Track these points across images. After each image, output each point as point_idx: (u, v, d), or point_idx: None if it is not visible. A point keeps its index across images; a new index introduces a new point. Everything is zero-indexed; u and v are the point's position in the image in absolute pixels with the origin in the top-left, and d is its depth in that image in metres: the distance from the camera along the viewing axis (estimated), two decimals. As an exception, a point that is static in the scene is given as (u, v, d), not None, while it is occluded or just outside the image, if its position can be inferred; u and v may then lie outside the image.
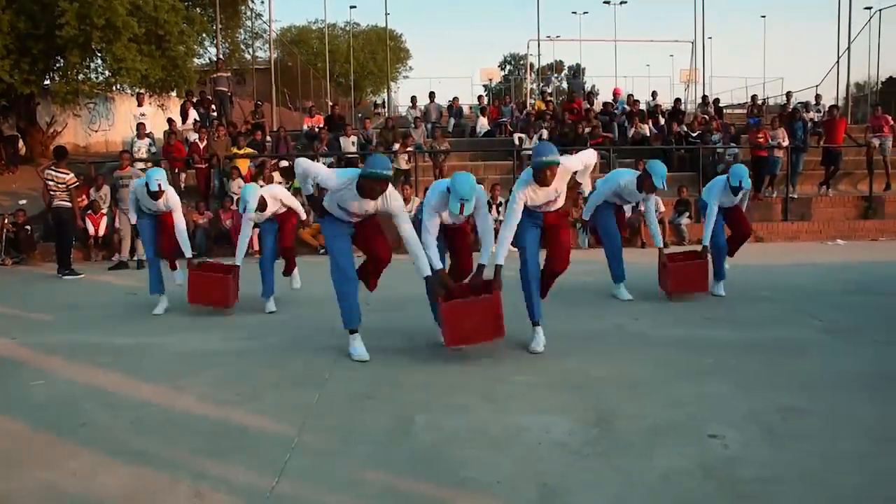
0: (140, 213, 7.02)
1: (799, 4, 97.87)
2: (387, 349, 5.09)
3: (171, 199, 6.74)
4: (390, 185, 4.86)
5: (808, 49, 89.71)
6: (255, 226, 7.24)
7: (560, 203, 5.24)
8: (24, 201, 13.52)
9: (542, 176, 4.91)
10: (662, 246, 7.16)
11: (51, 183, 10.10)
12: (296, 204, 6.90)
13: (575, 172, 5.20)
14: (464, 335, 4.84)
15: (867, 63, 23.06)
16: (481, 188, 5.09)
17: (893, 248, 11.72)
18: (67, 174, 10.10)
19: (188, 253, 6.83)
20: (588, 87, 31.95)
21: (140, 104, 15.60)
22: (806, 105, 18.57)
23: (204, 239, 11.91)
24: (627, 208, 12.44)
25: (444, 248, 5.32)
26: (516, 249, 5.25)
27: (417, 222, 5.03)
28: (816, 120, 17.06)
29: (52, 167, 10.25)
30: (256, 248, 11.71)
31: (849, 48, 21.88)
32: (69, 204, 10.12)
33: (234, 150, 13.62)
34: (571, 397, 4.17)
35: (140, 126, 14.18)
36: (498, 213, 12.14)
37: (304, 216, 7.22)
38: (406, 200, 12.38)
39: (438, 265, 4.94)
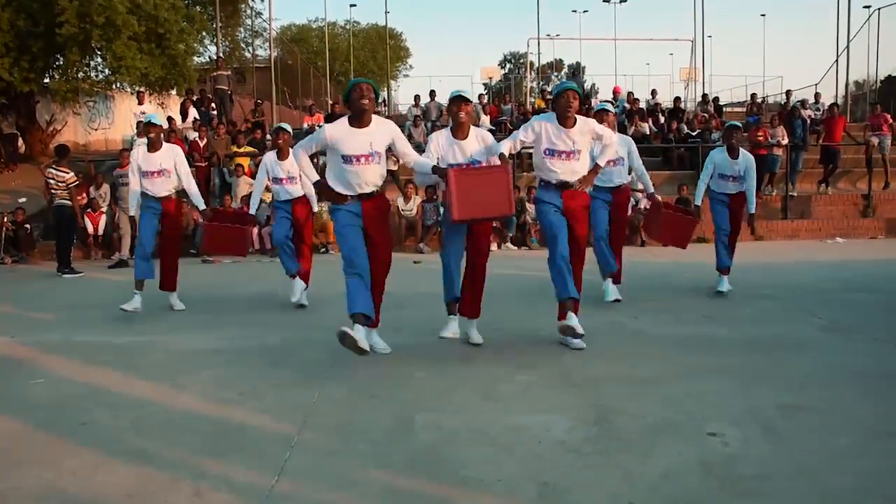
0: (142, 204, 6.81)
1: (798, 3, 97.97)
2: (396, 347, 5.08)
3: (174, 150, 6.80)
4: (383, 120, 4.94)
5: (808, 47, 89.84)
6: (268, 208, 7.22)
7: (578, 167, 5.10)
8: (23, 200, 13.52)
9: (563, 103, 4.91)
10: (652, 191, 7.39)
11: (52, 182, 10.11)
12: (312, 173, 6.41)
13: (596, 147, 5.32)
14: (472, 206, 4.74)
15: (866, 61, 23.09)
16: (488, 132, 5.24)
17: (891, 246, 11.73)
18: (68, 173, 10.11)
19: (201, 205, 6.90)
20: (588, 85, 31.94)
21: (140, 102, 15.63)
22: (803, 102, 18.56)
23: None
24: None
25: (463, 250, 5.25)
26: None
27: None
28: (815, 118, 17.07)
29: (53, 166, 10.26)
30: (257, 245, 11.78)
31: (848, 47, 21.92)
32: (70, 202, 10.13)
33: (234, 148, 13.62)
34: (571, 396, 4.17)
35: (139, 124, 14.16)
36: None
37: (315, 206, 7.10)
38: (407, 199, 12.41)
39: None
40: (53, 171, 10.12)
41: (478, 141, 5.09)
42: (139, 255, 6.78)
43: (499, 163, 4.95)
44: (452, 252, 5.21)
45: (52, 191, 10.18)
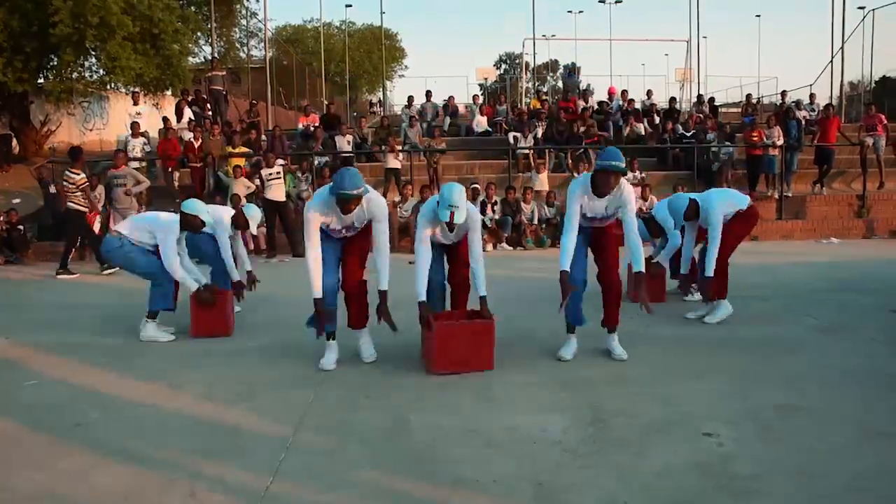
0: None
1: (793, 4, 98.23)
2: (381, 349, 5.07)
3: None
4: (373, 192, 4.75)
5: (803, 48, 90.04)
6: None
7: (609, 223, 5.05)
8: (17, 200, 13.49)
9: (604, 181, 4.73)
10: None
11: (66, 184, 10.20)
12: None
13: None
14: (453, 361, 4.63)
15: (861, 62, 23.19)
16: (476, 211, 4.95)
17: (886, 246, 11.76)
18: (79, 174, 10.16)
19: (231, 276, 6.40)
20: (583, 85, 31.98)
21: (136, 103, 15.56)
22: (798, 103, 18.61)
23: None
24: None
25: (441, 259, 5.19)
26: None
27: (413, 224, 4.99)
28: (810, 119, 17.10)
29: (68, 168, 10.36)
30: (252, 246, 11.75)
31: (842, 47, 21.96)
32: (79, 205, 10.18)
33: (229, 149, 13.59)
34: (566, 396, 4.17)
35: (134, 125, 14.13)
36: (493, 211, 12.15)
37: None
38: (404, 199, 12.40)
39: (422, 296, 4.79)
40: (67, 174, 10.22)
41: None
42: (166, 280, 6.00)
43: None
44: (434, 270, 5.04)
45: (66, 193, 10.24)
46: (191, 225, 5.94)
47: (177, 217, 5.99)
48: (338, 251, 4.91)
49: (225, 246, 6.29)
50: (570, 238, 4.81)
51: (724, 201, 6.24)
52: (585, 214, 4.90)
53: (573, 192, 4.88)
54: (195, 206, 5.99)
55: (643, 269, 4.88)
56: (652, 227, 7.05)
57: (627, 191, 4.84)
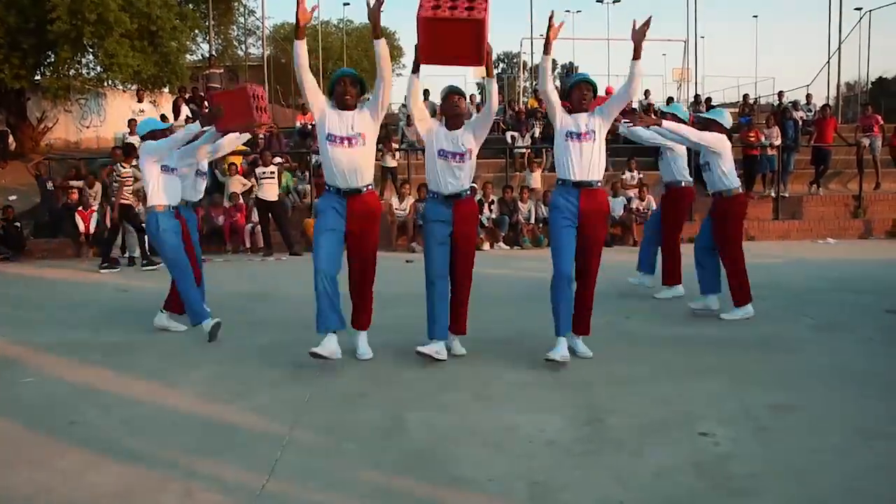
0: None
1: (790, 5, 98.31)
2: (378, 347, 5.07)
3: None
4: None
5: (800, 49, 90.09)
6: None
7: (595, 154, 4.86)
8: (13, 197, 13.47)
9: (578, 96, 4.88)
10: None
11: (115, 176, 10.67)
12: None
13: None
14: (439, 52, 4.60)
15: (857, 63, 23.22)
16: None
17: (883, 246, 11.78)
18: (125, 168, 10.42)
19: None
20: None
21: (140, 100, 15.48)
22: (795, 104, 18.64)
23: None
24: (619, 206, 12.53)
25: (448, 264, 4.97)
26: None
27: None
28: (807, 119, 17.13)
29: (120, 162, 10.71)
30: (248, 245, 11.75)
31: (839, 48, 22.00)
32: (124, 199, 10.41)
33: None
34: (563, 396, 4.17)
35: (132, 122, 14.11)
36: (490, 211, 12.14)
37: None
38: (401, 198, 12.39)
39: None
40: (118, 167, 10.64)
41: (470, 132, 4.93)
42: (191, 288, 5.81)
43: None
44: (438, 262, 4.89)
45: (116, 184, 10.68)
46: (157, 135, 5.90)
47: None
48: (341, 243, 4.80)
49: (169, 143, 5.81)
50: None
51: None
52: (571, 132, 4.86)
53: (557, 109, 4.97)
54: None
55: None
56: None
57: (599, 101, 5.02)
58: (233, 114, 5.67)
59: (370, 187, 4.86)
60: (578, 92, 4.91)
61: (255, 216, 11.94)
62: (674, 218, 7.05)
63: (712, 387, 4.29)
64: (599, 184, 4.92)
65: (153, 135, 5.89)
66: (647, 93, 20.41)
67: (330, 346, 4.63)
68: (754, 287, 6.16)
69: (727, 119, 6.35)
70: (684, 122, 6.55)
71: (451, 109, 4.96)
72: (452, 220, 4.86)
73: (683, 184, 7.01)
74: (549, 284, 4.84)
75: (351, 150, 4.70)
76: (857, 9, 24.45)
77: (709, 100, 20.34)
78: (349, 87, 4.74)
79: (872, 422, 3.70)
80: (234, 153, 13.32)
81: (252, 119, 5.69)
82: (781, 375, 4.52)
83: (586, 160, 4.84)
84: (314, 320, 4.70)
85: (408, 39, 58.99)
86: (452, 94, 5.00)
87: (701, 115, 6.76)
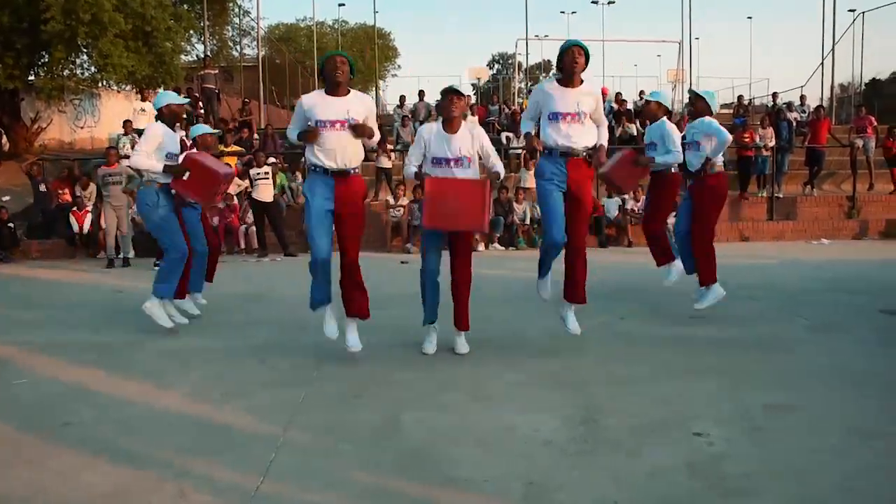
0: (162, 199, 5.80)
1: (784, 6, 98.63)
2: (373, 347, 5.06)
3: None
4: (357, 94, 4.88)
5: (794, 50, 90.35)
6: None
7: (585, 132, 4.90)
8: (7, 198, 13.44)
9: (570, 59, 4.79)
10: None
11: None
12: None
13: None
14: (443, 216, 4.71)
15: (851, 64, 23.30)
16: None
17: (876, 246, 11.82)
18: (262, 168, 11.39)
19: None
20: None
21: (144, 99, 15.39)
22: (789, 105, 18.68)
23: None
24: (613, 207, 12.55)
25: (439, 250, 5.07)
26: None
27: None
28: (801, 120, 17.17)
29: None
30: (243, 245, 11.73)
31: (833, 50, 22.08)
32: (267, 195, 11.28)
33: (222, 147, 13.55)
34: (558, 396, 4.17)
35: (127, 123, 14.09)
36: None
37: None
38: (396, 198, 12.39)
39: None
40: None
41: (469, 135, 4.94)
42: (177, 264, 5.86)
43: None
44: (431, 260, 4.99)
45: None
46: (172, 114, 5.94)
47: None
48: (330, 228, 4.77)
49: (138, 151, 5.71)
50: (527, 124, 5.06)
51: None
52: (558, 112, 4.85)
53: (535, 90, 5.05)
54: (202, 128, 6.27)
55: (605, 144, 5.09)
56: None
57: (597, 87, 5.01)
58: (195, 183, 5.73)
59: (356, 171, 4.84)
60: (570, 56, 4.82)
61: (249, 217, 11.93)
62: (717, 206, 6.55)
63: (709, 387, 4.29)
64: (587, 153, 4.97)
65: (169, 108, 5.94)
66: (641, 93, 20.40)
67: (332, 328, 4.88)
68: (749, 287, 6.18)
69: (716, 103, 6.40)
70: (668, 109, 6.57)
71: (448, 110, 4.91)
72: None
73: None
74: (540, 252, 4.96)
75: (343, 132, 4.68)
76: (850, 10, 24.49)
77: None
78: (339, 65, 4.67)
79: (869, 422, 3.70)
80: (228, 154, 13.34)
81: (209, 199, 5.93)
82: (778, 376, 4.53)
83: (575, 134, 4.87)
84: (309, 321, 4.69)
85: (402, 40, 59.04)
86: (451, 93, 4.92)
87: (694, 90, 6.74)
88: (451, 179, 4.82)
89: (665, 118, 6.55)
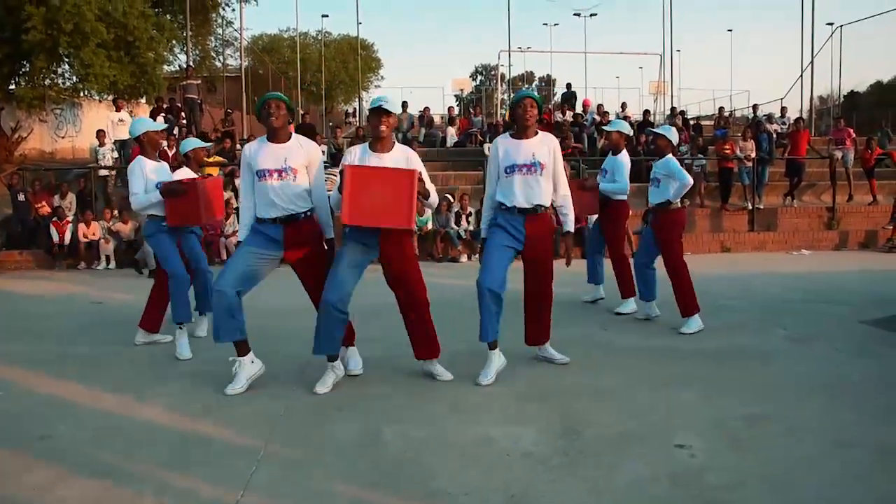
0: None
1: (764, 19, 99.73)
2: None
3: None
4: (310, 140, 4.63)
5: (774, 63, 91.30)
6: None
7: (543, 186, 4.73)
8: (-15, 208, 13.28)
9: (520, 112, 4.66)
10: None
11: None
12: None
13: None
14: (366, 211, 4.20)
15: (830, 77, 23.58)
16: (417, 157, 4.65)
17: (856, 257, 11.93)
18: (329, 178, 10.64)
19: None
20: (558, 97, 32.24)
21: (118, 109, 15.30)
22: (769, 117, 18.87)
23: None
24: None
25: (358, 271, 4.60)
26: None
27: None
28: (781, 132, 17.33)
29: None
30: (224, 257, 11.67)
31: (812, 63, 22.32)
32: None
33: (204, 158, 13.50)
34: (539, 407, 4.17)
35: (100, 133, 13.98)
36: (468, 222, 12.16)
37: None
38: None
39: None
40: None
41: (402, 158, 4.53)
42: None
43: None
44: (342, 271, 4.46)
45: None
46: (151, 141, 5.83)
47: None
48: (245, 267, 4.56)
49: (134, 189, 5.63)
50: (490, 195, 4.85)
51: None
52: (514, 164, 4.67)
53: (491, 149, 4.86)
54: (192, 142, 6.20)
55: (572, 230, 4.99)
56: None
57: (552, 139, 4.81)
58: (183, 209, 5.61)
59: (308, 214, 4.58)
60: (522, 108, 4.68)
61: (229, 228, 11.86)
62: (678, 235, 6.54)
63: (688, 398, 4.31)
64: (545, 209, 4.80)
65: (147, 136, 5.81)
66: (623, 105, 20.59)
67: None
68: (729, 298, 6.22)
69: (674, 134, 6.46)
70: (629, 137, 6.71)
71: (377, 130, 4.48)
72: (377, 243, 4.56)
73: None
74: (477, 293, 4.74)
75: (281, 182, 4.45)
76: (828, 24, 24.84)
77: (683, 112, 20.53)
78: (274, 110, 4.44)
79: (847, 431, 3.73)
80: (210, 164, 13.28)
81: (198, 219, 5.71)
82: (757, 386, 4.56)
83: (532, 187, 4.72)
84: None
85: (386, 52, 59.13)
86: (380, 112, 4.43)
87: (652, 129, 6.84)
88: (374, 168, 4.35)
89: (624, 150, 6.93)
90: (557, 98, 30.72)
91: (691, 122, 19.84)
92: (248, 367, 4.62)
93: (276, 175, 4.44)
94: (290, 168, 4.46)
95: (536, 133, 4.78)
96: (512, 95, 28.85)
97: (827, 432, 3.72)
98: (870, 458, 3.41)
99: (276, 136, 4.52)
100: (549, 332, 5.10)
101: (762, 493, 3.05)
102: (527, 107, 4.68)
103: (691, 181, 6.29)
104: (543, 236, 4.81)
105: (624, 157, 6.95)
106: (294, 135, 4.65)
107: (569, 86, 22.29)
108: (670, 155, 6.32)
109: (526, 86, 50.42)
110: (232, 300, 4.46)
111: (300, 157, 4.50)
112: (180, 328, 5.56)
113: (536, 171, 4.70)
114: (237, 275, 4.48)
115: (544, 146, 4.74)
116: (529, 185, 4.71)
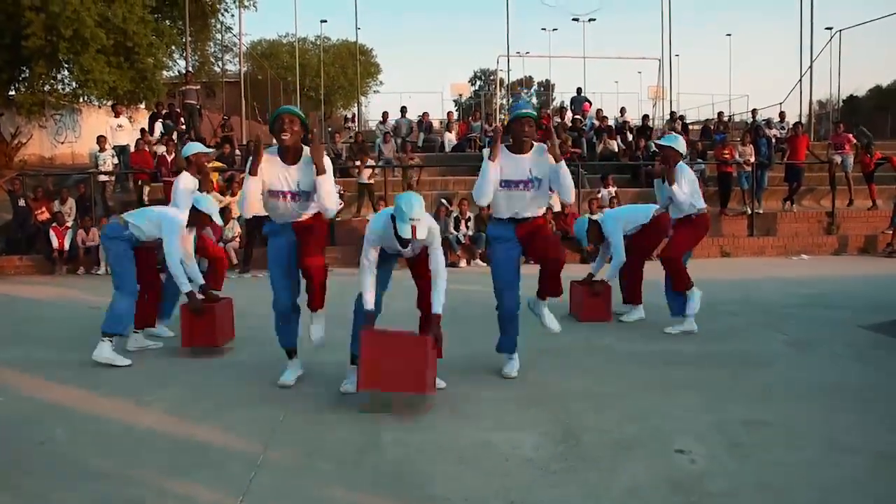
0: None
1: (763, 24, 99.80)
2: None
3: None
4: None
5: (773, 67, 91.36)
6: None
7: (537, 203, 4.77)
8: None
9: (517, 130, 4.63)
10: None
11: None
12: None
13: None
14: (380, 377, 4.15)
15: (829, 81, 23.57)
16: (435, 224, 4.51)
17: (856, 262, 11.93)
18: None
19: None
20: (557, 102, 32.28)
21: (117, 115, 15.30)
22: (768, 122, 18.88)
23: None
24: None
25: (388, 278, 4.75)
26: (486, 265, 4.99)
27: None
28: (781, 137, 17.35)
29: None
30: (236, 261, 11.66)
31: (811, 67, 22.31)
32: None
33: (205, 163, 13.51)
34: (538, 412, 4.17)
35: (101, 139, 14.01)
36: (467, 227, 12.16)
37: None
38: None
39: (371, 306, 4.43)
40: None
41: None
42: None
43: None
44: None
45: None
46: (199, 220, 5.93)
47: (181, 213, 5.88)
48: (290, 270, 4.70)
49: (171, 250, 5.63)
50: (481, 185, 4.69)
51: (620, 221, 6.79)
52: (509, 181, 4.66)
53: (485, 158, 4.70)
54: (206, 201, 5.99)
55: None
56: (592, 233, 7.05)
57: (556, 163, 4.64)
58: (200, 330, 5.66)
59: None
60: (519, 126, 4.66)
61: (229, 233, 11.86)
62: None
63: (687, 402, 4.31)
64: (539, 213, 4.87)
65: (196, 157, 6.20)
66: (622, 110, 20.58)
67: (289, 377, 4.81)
68: (729, 303, 6.21)
69: (682, 145, 6.22)
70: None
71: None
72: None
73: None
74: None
75: (295, 203, 4.53)
76: (827, 28, 24.84)
77: (682, 117, 20.56)
78: (287, 125, 4.37)
79: (847, 437, 3.73)
80: (210, 170, 13.29)
81: (214, 342, 5.70)
82: (756, 391, 4.55)
83: (524, 204, 4.75)
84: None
85: (385, 58, 59.17)
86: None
87: (658, 141, 6.65)
88: (389, 334, 4.37)
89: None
90: (556, 103, 30.77)
91: (690, 127, 19.86)
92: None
93: (289, 197, 4.52)
94: (304, 192, 4.51)
95: (532, 146, 4.76)
96: (510, 99, 28.88)
97: (827, 438, 3.71)
98: (870, 464, 3.40)
99: (285, 154, 4.47)
100: (561, 290, 4.96)
101: (762, 498, 3.05)
102: (524, 125, 4.66)
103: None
104: (537, 227, 4.84)
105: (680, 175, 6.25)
106: (304, 151, 4.51)
107: (579, 90, 22.32)
108: (682, 164, 6.20)
109: (524, 92, 50.47)
110: (290, 313, 4.78)
111: (311, 177, 4.46)
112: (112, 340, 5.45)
113: (533, 187, 4.73)
114: (286, 286, 4.70)
115: (541, 160, 4.71)
116: (522, 199, 4.74)
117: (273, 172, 4.47)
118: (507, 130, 4.76)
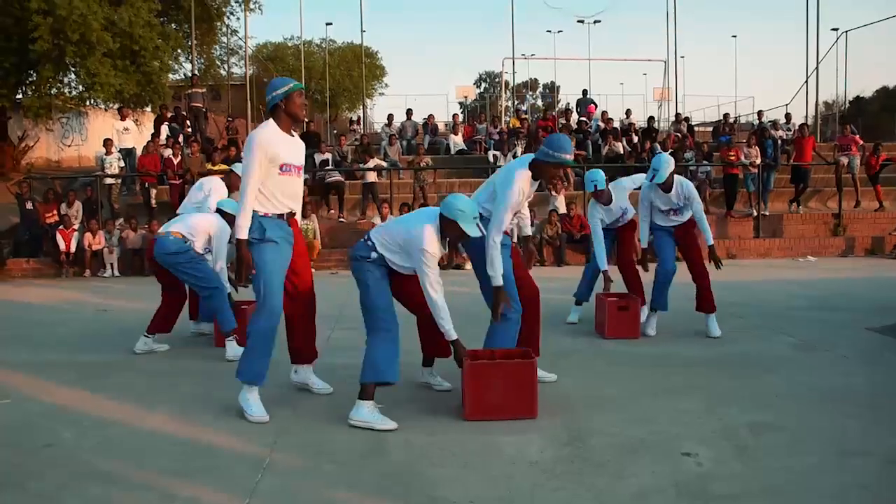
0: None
1: (769, 25, 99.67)
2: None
3: None
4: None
5: (778, 69, 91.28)
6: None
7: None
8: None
9: (552, 175, 4.68)
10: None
11: None
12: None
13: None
14: (489, 406, 4.07)
15: (835, 83, 23.55)
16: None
17: (862, 264, 11.89)
18: None
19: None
20: (562, 104, 32.26)
21: (123, 118, 15.34)
22: (774, 123, 18.84)
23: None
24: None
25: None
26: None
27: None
28: (787, 138, 17.31)
29: None
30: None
31: (817, 68, 22.30)
32: None
33: (209, 165, 13.55)
34: (544, 415, 4.15)
35: (107, 141, 14.06)
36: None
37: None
38: (383, 218, 12.37)
39: (454, 335, 4.22)
40: None
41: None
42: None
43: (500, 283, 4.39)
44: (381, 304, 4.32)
45: None
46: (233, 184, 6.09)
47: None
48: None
49: (223, 253, 5.91)
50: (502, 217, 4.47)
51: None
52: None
53: (517, 183, 4.52)
54: (233, 204, 5.92)
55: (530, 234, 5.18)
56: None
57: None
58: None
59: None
60: (556, 171, 4.63)
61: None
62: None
63: (693, 405, 4.30)
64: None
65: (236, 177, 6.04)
66: (628, 112, 20.54)
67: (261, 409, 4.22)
68: (735, 305, 6.19)
69: (669, 163, 6.23)
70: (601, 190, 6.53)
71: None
72: None
73: None
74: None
75: (299, 178, 4.37)
76: (833, 29, 24.84)
77: (687, 119, 20.52)
78: (304, 101, 4.32)
79: (852, 440, 3.71)
80: (213, 172, 13.31)
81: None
82: (762, 394, 4.54)
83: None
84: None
85: (390, 60, 59.29)
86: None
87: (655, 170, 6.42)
88: (494, 364, 4.20)
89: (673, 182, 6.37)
90: (562, 105, 30.70)
91: (696, 129, 19.81)
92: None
93: (297, 172, 4.30)
94: (301, 166, 4.40)
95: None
96: (515, 102, 28.86)
97: (833, 441, 3.70)
98: (877, 467, 3.39)
99: (292, 129, 4.31)
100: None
101: (767, 502, 3.04)
102: (563, 172, 4.73)
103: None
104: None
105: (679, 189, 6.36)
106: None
107: (584, 92, 22.30)
108: (682, 178, 6.26)
109: (530, 93, 50.45)
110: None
111: (303, 152, 4.44)
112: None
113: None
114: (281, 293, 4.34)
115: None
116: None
117: (283, 146, 4.19)
118: (540, 170, 4.56)
